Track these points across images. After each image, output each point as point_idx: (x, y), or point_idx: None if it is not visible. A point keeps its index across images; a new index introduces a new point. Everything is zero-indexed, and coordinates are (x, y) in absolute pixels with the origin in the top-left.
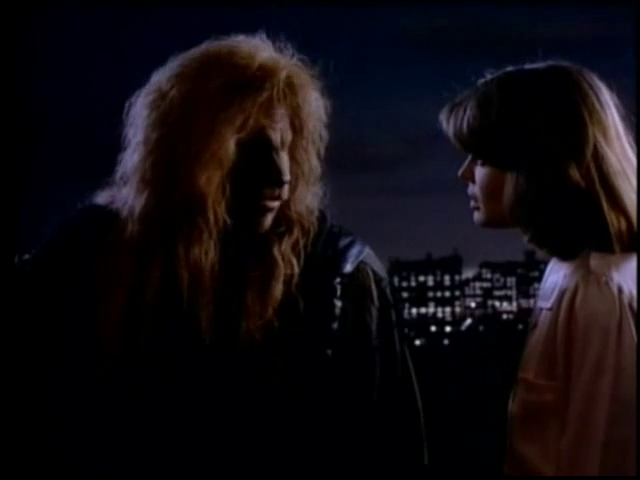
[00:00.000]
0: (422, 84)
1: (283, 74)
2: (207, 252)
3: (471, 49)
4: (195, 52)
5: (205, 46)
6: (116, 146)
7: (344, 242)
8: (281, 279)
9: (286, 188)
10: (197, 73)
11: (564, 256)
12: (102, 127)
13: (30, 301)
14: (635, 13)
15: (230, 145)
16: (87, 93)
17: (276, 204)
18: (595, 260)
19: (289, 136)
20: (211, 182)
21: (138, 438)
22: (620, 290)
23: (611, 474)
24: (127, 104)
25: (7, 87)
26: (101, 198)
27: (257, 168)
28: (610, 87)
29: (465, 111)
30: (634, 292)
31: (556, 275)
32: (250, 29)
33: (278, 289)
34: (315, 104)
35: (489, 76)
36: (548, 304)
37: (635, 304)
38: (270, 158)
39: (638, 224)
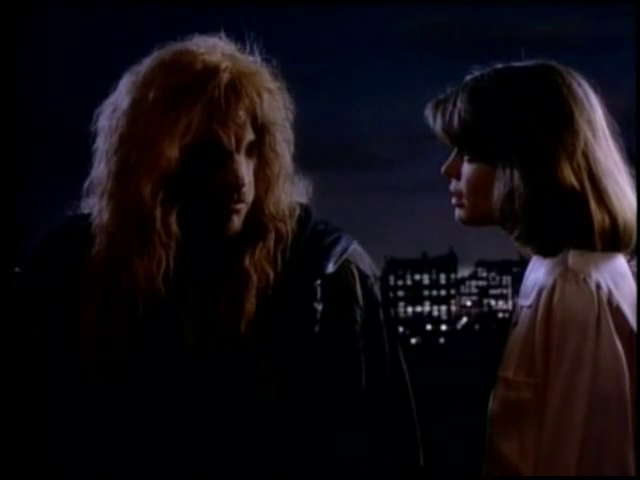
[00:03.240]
0: (418, 83)
1: (225, 75)
2: (160, 263)
3: (469, 48)
4: (147, 59)
5: (155, 52)
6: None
7: (329, 240)
8: (254, 292)
9: (246, 190)
10: (142, 81)
11: (548, 254)
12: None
13: (18, 316)
14: (635, 12)
15: (172, 153)
16: (87, 94)
17: (240, 206)
18: (573, 257)
19: (248, 137)
20: (156, 193)
21: (122, 444)
22: (598, 286)
23: (588, 470)
24: (95, 114)
25: (7, 87)
26: (86, 207)
27: (211, 172)
28: (595, 88)
29: (455, 105)
30: (613, 289)
31: (536, 273)
32: (246, 29)
33: (251, 303)
34: (272, 103)
35: (476, 73)
36: (528, 302)
37: (614, 301)
38: (223, 161)
39: (638, 224)
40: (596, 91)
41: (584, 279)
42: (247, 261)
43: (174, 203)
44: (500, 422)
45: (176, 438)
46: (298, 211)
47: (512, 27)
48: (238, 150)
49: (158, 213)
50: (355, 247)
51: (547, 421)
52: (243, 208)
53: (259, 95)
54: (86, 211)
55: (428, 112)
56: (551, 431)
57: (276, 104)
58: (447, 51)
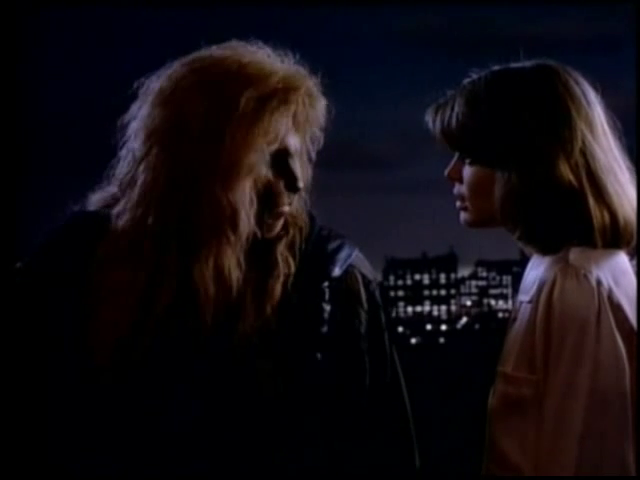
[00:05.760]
0: (418, 83)
1: (305, 86)
2: (237, 264)
3: (469, 48)
4: (206, 62)
5: (215, 55)
6: (114, 147)
7: (333, 245)
8: (281, 279)
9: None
10: (220, 86)
11: (549, 251)
12: (101, 127)
13: (21, 310)
14: (635, 12)
15: (266, 156)
16: (86, 93)
17: (288, 209)
18: (574, 254)
19: (300, 142)
20: (245, 194)
21: (131, 442)
22: (599, 283)
23: (588, 466)
24: (122, 120)
25: (7, 87)
26: (93, 203)
27: (279, 176)
28: (595, 86)
29: (453, 109)
30: (614, 286)
31: (537, 270)
32: (247, 29)
33: (277, 289)
34: (323, 112)
35: (474, 75)
36: (527, 297)
37: (615, 297)
38: (289, 165)
39: (638, 224)
40: (596, 89)
41: (585, 275)
42: (276, 251)
43: (251, 205)
44: (500, 418)
45: (180, 431)
46: (304, 215)
47: (512, 27)
48: (297, 154)
49: (243, 214)
50: (357, 253)
51: (547, 417)
52: (288, 211)
53: (321, 104)
54: (92, 207)
55: (428, 117)
56: (551, 427)
57: (323, 115)
58: (447, 51)
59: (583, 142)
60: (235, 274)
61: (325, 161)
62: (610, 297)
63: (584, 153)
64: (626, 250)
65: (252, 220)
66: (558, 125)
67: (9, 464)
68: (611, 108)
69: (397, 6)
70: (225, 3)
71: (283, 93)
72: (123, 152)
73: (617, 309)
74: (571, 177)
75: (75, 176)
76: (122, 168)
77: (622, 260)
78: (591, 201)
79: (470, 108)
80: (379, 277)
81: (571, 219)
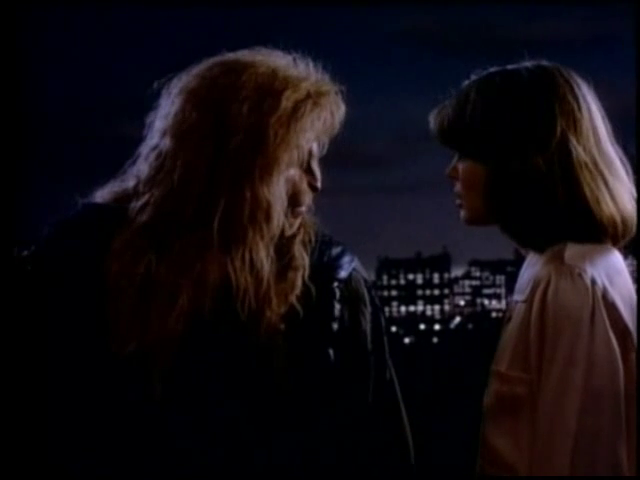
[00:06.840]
0: (417, 83)
1: (332, 92)
2: (266, 256)
3: (469, 48)
4: (239, 64)
5: (247, 58)
6: (115, 146)
7: (336, 251)
8: (300, 272)
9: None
10: (259, 87)
11: (536, 248)
12: (101, 127)
13: (29, 299)
14: (635, 12)
15: (301, 155)
16: (86, 93)
17: (305, 209)
18: (570, 251)
19: (318, 145)
20: (279, 190)
21: (141, 438)
22: (593, 282)
23: (581, 465)
24: (148, 119)
25: (7, 88)
26: (101, 198)
27: (304, 176)
28: (588, 84)
29: (448, 110)
30: (608, 285)
31: (532, 269)
32: (248, 30)
33: (298, 281)
34: (340, 121)
35: (473, 77)
36: (522, 296)
37: (609, 296)
38: (311, 166)
39: (638, 225)
40: (589, 86)
41: (579, 274)
42: (293, 246)
43: (282, 201)
44: (494, 417)
45: (196, 425)
46: (310, 218)
47: (512, 27)
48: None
49: (279, 208)
50: (357, 260)
51: (540, 416)
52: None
53: (341, 110)
54: (101, 200)
55: (430, 118)
56: (545, 426)
57: (341, 118)
58: (447, 51)
59: (562, 138)
60: (266, 267)
61: (321, 161)
62: (605, 296)
63: (561, 149)
64: (615, 245)
65: (282, 215)
66: (536, 120)
67: (9, 464)
68: (610, 108)
69: (396, 6)
70: (227, 3)
71: (316, 96)
72: (144, 150)
73: (611, 308)
74: (545, 172)
75: (73, 175)
76: (142, 165)
77: (617, 259)
78: (563, 197)
79: (459, 107)
80: (372, 277)
81: (545, 213)
